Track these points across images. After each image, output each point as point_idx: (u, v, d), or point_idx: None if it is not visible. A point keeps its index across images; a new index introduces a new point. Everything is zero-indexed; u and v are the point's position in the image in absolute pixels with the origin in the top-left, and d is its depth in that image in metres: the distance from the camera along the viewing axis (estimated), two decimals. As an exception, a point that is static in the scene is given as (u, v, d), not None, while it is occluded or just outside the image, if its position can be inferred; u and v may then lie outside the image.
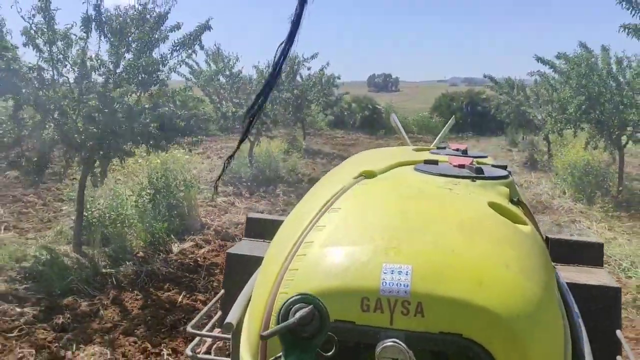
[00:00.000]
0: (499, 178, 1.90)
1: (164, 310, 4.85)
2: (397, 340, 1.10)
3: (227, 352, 2.79)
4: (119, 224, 6.49)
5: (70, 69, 5.33)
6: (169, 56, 5.83)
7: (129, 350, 4.13)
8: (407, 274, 1.19)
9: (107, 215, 6.61)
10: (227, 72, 11.01)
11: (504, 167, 2.20)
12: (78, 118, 5.35)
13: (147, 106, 5.60)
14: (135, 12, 5.58)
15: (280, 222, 2.08)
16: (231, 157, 1.55)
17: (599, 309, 2.26)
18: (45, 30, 5.03)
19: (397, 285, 1.17)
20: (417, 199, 1.55)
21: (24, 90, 4.98)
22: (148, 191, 7.30)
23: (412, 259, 1.22)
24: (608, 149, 10.49)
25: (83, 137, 5.40)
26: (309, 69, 12.66)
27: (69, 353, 4.05)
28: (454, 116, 5.71)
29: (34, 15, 5.00)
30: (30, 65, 4.97)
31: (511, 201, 1.76)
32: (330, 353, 1.07)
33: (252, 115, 1.31)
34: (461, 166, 1.98)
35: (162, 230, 6.72)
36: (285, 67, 12.06)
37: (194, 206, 7.66)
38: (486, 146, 19.81)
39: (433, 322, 1.16)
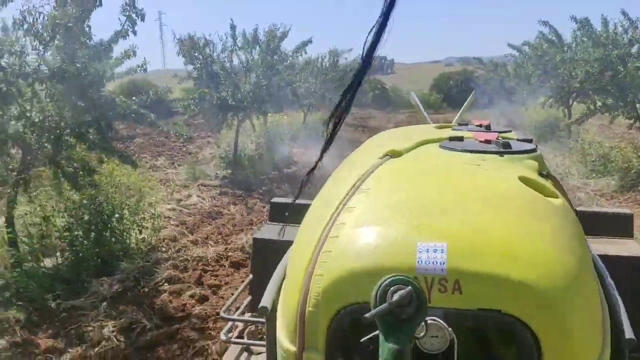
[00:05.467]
0: (527, 152, 1.86)
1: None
2: (436, 318, 1.10)
3: (259, 336, 3.07)
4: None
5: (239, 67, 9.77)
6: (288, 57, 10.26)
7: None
8: (442, 252, 1.18)
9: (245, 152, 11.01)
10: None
11: (530, 141, 2.15)
12: (244, 89, 9.75)
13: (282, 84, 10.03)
14: (271, 32, 9.96)
15: (303, 205, 2.25)
16: (313, 169, 1.43)
17: (630, 280, 2.13)
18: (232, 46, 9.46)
19: (433, 263, 1.16)
20: (446, 176, 1.54)
21: (222, 80, 9.42)
22: (263, 139, 11.75)
23: (446, 237, 1.21)
24: (560, 108, 14.92)
25: (248, 100, 9.81)
26: (345, 59, 17.03)
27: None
28: (474, 91, 5.97)
29: (227, 38, 9.42)
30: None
31: (540, 174, 1.74)
32: (421, 335, 1.08)
33: (339, 116, 1.18)
34: (487, 141, 1.94)
35: (276, 161, 11.16)
36: (331, 58, 16.29)
37: (290, 150, 12.12)
38: (477, 116, 24.23)
39: (471, 299, 1.14)
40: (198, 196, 8.60)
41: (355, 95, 1.20)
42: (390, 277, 1.02)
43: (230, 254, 5.89)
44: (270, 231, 2.88)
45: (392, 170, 1.60)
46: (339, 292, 1.18)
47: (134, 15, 4.49)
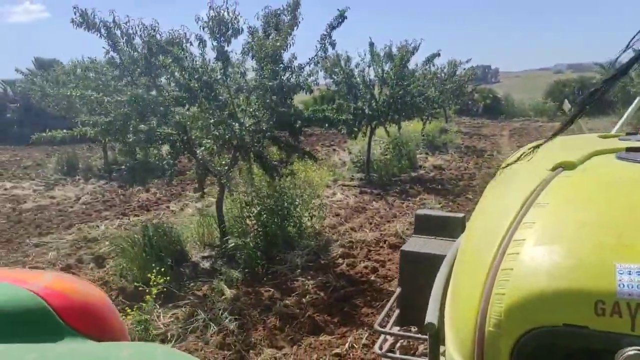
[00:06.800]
0: None
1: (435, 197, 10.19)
2: None
3: (411, 352, 3.15)
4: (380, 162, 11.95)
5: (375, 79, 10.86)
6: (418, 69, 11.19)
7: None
8: None
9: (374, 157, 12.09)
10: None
11: None
12: (379, 100, 10.81)
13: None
14: (403, 47, 10.96)
15: (451, 218, 2.28)
16: (555, 134, 1.32)
17: None
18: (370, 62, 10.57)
19: (638, 287, 1.04)
20: (635, 191, 1.37)
21: (361, 92, 10.55)
22: (390, 145, 12.74)
23: None
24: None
25: (383, 109, 10.85)
26: (464, 69, 17.66)
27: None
28: (639, 97, 5.04)
29: (365, 54, 10.55)
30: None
31: None
32: None
33: (590, 101, 1.14)
34: None
35: (403, 165, 12.10)
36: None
37: (414, 155, 13.01)
38: (596, 123, 23.67)
39: None
40: (341, 194, 9.76)
41: (601, 97, 1.27)
42: None
43: (386, 238, 6.91)
44: (417, 244, 2.87)
45: (570, 184, 1.47)
46: (526, 313, 1.09)
47: (327, 44, 5.68)
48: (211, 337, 4.32)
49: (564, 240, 1.17)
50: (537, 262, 1.14)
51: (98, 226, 7.94)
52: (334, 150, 16.14)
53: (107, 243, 6.91)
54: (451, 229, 2.91)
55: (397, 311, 2.79)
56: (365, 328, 4.44)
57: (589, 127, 20.42)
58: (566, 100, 4.80)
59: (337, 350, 4.07)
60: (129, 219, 8.33)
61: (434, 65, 11.82)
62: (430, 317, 1.55)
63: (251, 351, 4.13)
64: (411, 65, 11.83)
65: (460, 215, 3.09)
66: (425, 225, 3.05)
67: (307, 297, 5.09)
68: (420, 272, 2.39)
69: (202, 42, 5.38)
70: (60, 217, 8.73)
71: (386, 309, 2.60)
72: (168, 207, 9.22)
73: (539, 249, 1.17)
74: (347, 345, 4.15)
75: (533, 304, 1.07)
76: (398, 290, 2.82)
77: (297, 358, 4.01)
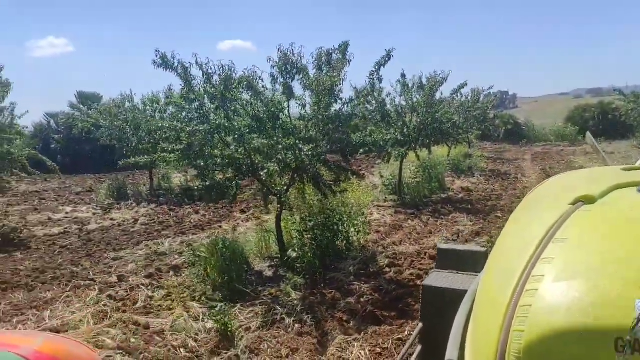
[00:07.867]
0: None
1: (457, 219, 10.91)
2: None
3: None
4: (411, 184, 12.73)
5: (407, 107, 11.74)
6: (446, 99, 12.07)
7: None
8: None
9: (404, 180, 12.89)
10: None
11: None
12: (410, 127, 11.66)
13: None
14: (433, 78, 11.85)
15: (474, 252, 2.33)
16: None
17: None
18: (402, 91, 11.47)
19: None
20: None
21: (393, 119, 11.42)
22: (420, 169, 13.55)
23: None
24: None
25: (414, 135, 11.69)
26: (486, 95, 18.51)
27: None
28: None
29: (397, 85, 11.45)
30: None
31: None
32: None
33: None
34: None
35: (433, 187, 12.87)
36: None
37: (443, 178, 13.79)
38: (618, 147, 24.23)
39: None
40: (378, 214, 10.55)
41: None
42: None
43: (426, 250, 7.66)
44: (439, 279, 2.86)
45: (591, 218, 1.45)
46: (546, 351, 1.07)
47: (376, 80, 6.58)
48: (289, 327, 5.11)
49: (583, 276, 1.16)
50: (556, 298, 1.14)
51: (163, 243, 8.82)
52: (364, 174, 16.96)
53: (176, 256, 7.80)
54: (474, 263, 2.95)
55: (419, 347, 2.82)
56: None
57: (609, 151, 21.08)
58: (588, 133, 5.06)
59: (399, 336, 4.84)
60: (188, 237, 9.20)
61: (460, 95, 12.62)
62: (451, 354, 1.55)
63: (325, 337, 4.91)
64: (438, 94, 12.74)
65: (483, 249, 3.22)
66: (448, 260, 3.09)
67: (365, 297, 5.87)
68: (442, 308, 2.39)
69: (274, 79, 6.30)
70: (125, 236, 9.64)
71: (408, 344, 2.69)
72: (220, 226, 10.09)
73: (558, 285, 1.16)
74: (406, 332, 4.92)
75: (552, 342, 1.06)
76: (420, 325, 2.84)
77: (365, 342, 4.79)
